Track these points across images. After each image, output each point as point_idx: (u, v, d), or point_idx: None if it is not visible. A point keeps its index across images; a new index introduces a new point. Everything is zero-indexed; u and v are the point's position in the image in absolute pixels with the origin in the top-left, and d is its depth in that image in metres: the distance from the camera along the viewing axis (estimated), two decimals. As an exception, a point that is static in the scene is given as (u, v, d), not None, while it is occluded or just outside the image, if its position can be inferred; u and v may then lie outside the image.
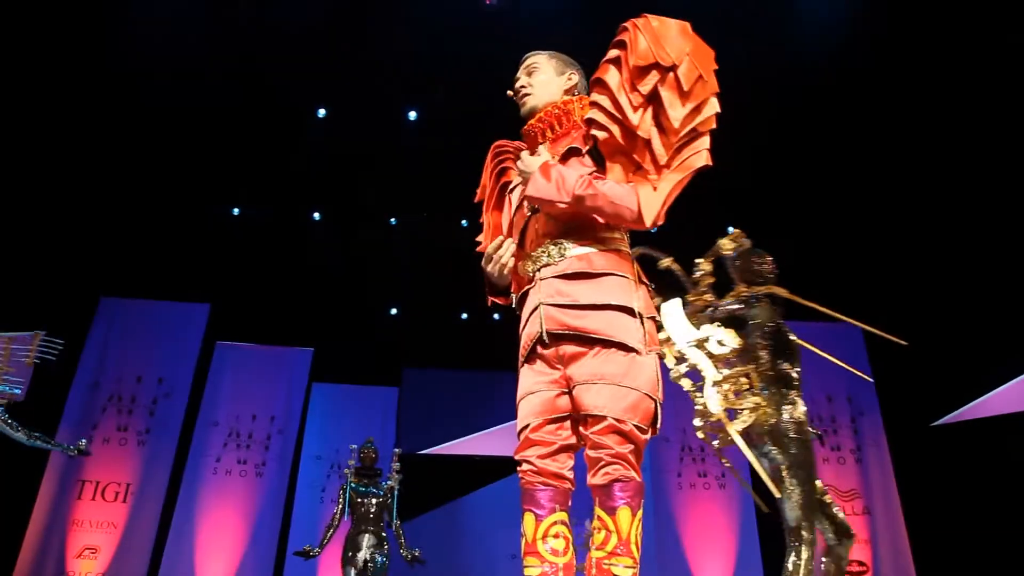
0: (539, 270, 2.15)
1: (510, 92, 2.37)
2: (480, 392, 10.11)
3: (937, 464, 8.77)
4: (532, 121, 2.31)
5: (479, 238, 2.53)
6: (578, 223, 2.14)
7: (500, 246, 2.18)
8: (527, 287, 2.20)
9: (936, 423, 9.26)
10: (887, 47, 7.72)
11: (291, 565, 9.14)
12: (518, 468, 2.13)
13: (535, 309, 2.13)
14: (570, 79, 2.36)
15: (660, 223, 2.10)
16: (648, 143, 2.07)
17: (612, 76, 2.09)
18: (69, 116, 8.06)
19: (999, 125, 7.74)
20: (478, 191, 2.52)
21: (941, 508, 8.49)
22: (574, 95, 2.35)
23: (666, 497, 9.23)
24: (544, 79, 2.33)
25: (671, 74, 2.03)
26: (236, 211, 9.53)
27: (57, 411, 8.92)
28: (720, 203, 7.48)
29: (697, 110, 2.05)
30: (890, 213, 8.77)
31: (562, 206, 2.08)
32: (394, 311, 10.59)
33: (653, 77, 2.04)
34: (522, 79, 2.35)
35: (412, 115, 8.58)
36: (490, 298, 2.39)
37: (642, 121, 2.06)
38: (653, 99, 2.05)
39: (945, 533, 8.27)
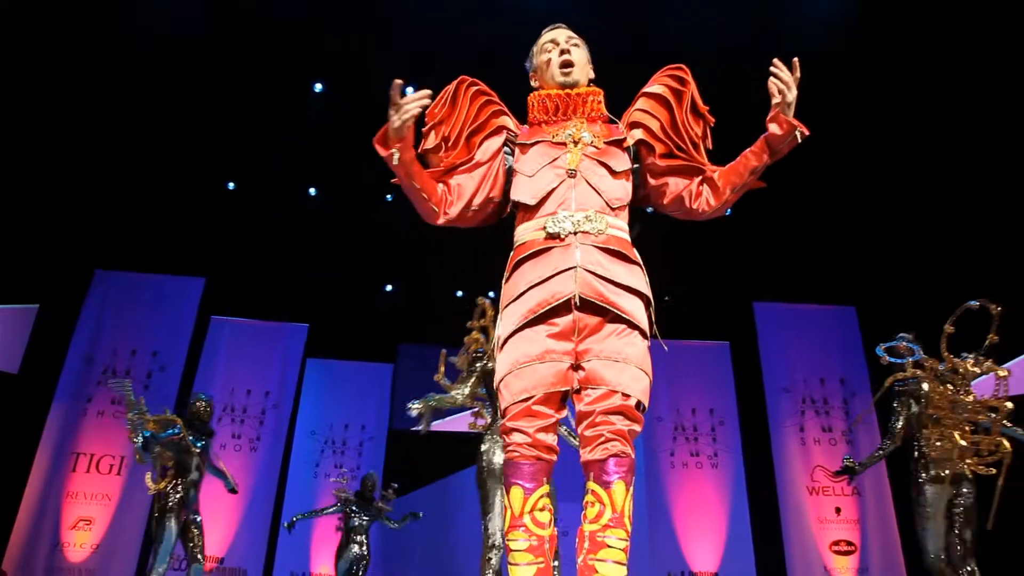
0: (575, 234, 2.16)
1: (549, 50, 2.42)
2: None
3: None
4: (572, 92, 2.37)
5: (432, 152, 2.39)
6: (617, 205, 2.24)
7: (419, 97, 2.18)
8: (550, 245, 2.17)
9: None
10: (878, 28, 7.67)
11: (284, 539, 9.21)
12: (507, 437, 2.09)
13: (567, 270, 2.12)
14: (592, 71, 2.49)
15: None
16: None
17: (674, 102, 2.30)
18: (63, 89, 7.98)
19: (996, 106, 7.70)
20: (440, 110, 2.36)
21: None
22: (590, 86, 2.45)
23: (659, 475, 9.31)
24: (582, 59, 2.44)
25: (707, 128, 2.34)
26: (231, 185, 9.48)
27: (51, 384, 8.93)
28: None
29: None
30: (885, 194, 8.76)
31: (763, 166, 2.25)
32: (389, 288, 10.58)
33: (701, 125, 2.33)
34: (571, 49, 2.41)
35: (409, 90, 8.53)
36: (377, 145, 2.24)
37: (691, 153, 2.30)
38: (695, 141, 2.31)
39: (1003, 496, 8.31)
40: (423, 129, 2.41)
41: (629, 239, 2.26)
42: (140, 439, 6.09)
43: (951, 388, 4.74)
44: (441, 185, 2.34)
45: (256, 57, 8.06)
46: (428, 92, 2.21)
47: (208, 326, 9.77)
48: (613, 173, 2.25)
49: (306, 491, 9.37)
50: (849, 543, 8.83)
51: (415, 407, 5.11)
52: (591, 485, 2.02)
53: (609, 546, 1.94)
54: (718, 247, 9.39)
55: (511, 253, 2.29)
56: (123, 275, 9.57)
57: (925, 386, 4.81)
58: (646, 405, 2.11)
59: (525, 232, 2.26)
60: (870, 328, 9.68)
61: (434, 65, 7.78)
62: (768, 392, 9.54)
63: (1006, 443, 4.44)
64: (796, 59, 2.19)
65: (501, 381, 2.14)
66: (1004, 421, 4.50)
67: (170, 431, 6.09)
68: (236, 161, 9.11)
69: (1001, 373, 4.50)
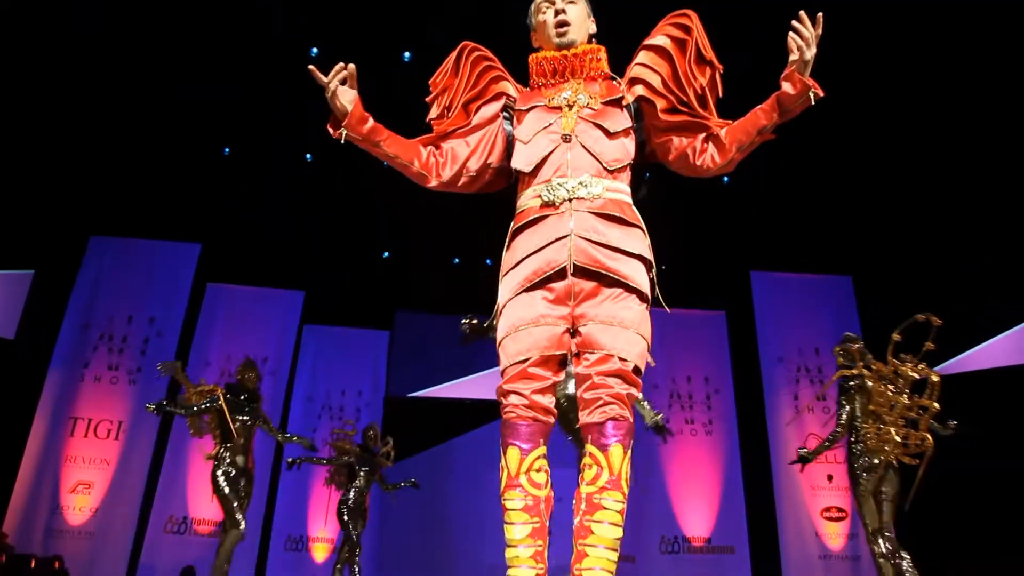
0: (570, 200, 2.14)
1: (544, 10, 2.35)
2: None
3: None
4: (568, 53, 2.31)
5: (436, 122, 2.41)
6: (616, 167, 2.20)
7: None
8: (546, 213, 2.16)
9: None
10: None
11: (281, 504, 9.31)
12: (504, 399, 2.11)
13: (562, 238, 2.11)
14: (593, 24, 2.41)
15: None
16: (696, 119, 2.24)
17: (676, 53, 2.21)
18: (55, 52, 7.88)
19: (995, 79, 7.66)
20: (442, 80, 2.38)
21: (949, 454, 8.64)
22: (592, 42, 2.38)
23: (652, 443, 9.36)
24: (580, 16, 2.35)
25: (716, 76, 2.24)
26: (227, 151, 9.41)
27: (48, 350, 8.95)
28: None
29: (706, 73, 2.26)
30: (884, 164, 8.74)
31: (775, 124, 2.18)
32: (386, 254, 10.57)
33: (707, 73, 2.23)
34: (567, 7, 2.33)
35: (407, 55, 8.45)
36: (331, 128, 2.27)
37: (695, 104, 2.21)
38: (701, 98, 2.23)
39: (924, 484, 8.43)
40: (426, 99, 2.40)
41: (630, 201, 2.22)
42: (184, 410, 6.29)
43: (891, 388, 5.25)
44: (428, 149, 2.32)
45: (253, 22, 7.95)
46: (345, 65, 2.19)
47: (204, 293, 9.77)
48: (610, 134, 2.21)
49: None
50: (840, 509, 8.94)
51: (467, 321, 4.88)
52: (589, 448, 2.03)
53: (605, 508, 1.96)
54: (716, 216, 9.38)
55: (511, 222, 2.28)
56: (118, 241, 9.54)
57: (869, 384, 5.32)
58: (643, 368, 2.10)
59: (523, 200, 2.25)
60: (865, 298, 9.72)
61: (434, 26, 7.69)
62: (763, 361, 9.59)
63: (930, 438, 5.07)
64: (821, 14, 2.10)
65: (499, 345, 2.16)
66: (931, 420, 5.15)
67: (207, 402, 6.24)
68: (232, 126, 9.03)
69: (934, 378, 5.07)
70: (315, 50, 8.44)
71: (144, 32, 7.88)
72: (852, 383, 5.41)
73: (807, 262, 9.72)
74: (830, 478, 9.05)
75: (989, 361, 9.01)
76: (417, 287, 10.25)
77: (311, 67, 2.17)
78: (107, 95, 8.35)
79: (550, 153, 2.21)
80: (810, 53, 2.08)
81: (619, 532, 1.97)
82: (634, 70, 2.28)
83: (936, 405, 5.08)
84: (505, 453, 2.07)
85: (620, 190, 2.20)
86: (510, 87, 2.38)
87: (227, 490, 6.11)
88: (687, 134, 2.24)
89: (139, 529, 8.66)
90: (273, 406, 9.51)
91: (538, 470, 2.06)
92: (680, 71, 2.20)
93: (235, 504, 6.11)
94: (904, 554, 5.23)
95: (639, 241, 2.18)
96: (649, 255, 2.20)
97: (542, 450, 2.08)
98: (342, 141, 2.21)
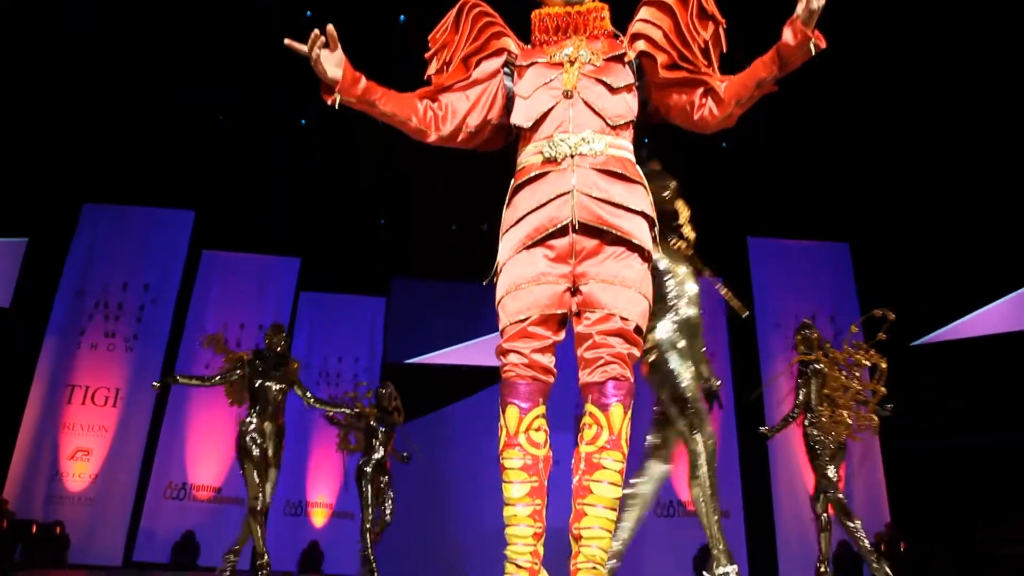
0: (572, 157, 2.11)
1: None
2: (468, 302, 10.16)
3: (913, 383, 8.96)
4: (572, 10, 2.26)
5: (435, 77, 2.35)
6: (618, 123, 2.16)
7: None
8: (547, 169, 2.13)
9: (916, 343, 9.41)
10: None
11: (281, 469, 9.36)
12: (503, 358, 2.09)
13: (563, 194, 2.08)
14: None
15: None
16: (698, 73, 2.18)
17: (678, 8, 2.16)
18: (49, 21, 7.77)
19: (995, 46, 7.59)
20: (441, 36, 2.33)
21: (914, 425, 8.72)
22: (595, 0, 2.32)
23: (648, 408, 9.41)
24: None
25: (719, 31, 2.18)
26: (220, 117, 9.32)
27: (43, 318, 8.94)
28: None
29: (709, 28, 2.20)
30: (884, 131, 8.68)
31: (775, 77, 2.10)
32: (383, 221, 10.52)
33: (710, 28, 2.17)
34: None
35: (402, 18, 8.34)
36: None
37: (698, 60, 2.16)
38: (705, 51, 2.18)
39: (916, 449, 8.53)
40: (425, 55, 2.36)
41: (632, 158, 2.19)
42: (202, 381, 6.38)
43: (844, 373, 5.68)
44: (425, 103, 2.27)
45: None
46: (320, 31, 2.08)
47: (199, 260, 9.74)
48: (612, 90, 2.17)
49: (301, 422, 9.46)
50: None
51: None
52: (589, 407, 2.02)
53: (605, 467, 1.96)
54: (712, 181, 9.33)
55: (511, 180, 2.24)
56: (112, 208, 9.49)
57: (825, 369, 5.71)
58: (644, 328, 2.09)
59: (524, 157, 2.21)
60: (862, 265, 9.72)
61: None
62: (759, 327, 9.61)
63: (876, 419, 5.59)
64: None
65: (499, 303, 2.13)
66: (876, 404, 5.61)
67: (228, 371, 6.15)
68: (226, 92, 8.93)
69: (883, 365, 5.49)
70: (309, 12, 8.32)
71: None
72: (809, 368, 5.78)
73: (804, 228, 9.70)
74: (852, 439, 9.11)
75: (984, 328, 9.04)
76: (413, 253, 10.23)
77: (288, 40, 2.10)
78: (97, 62, 8.24)
79: (551, 109, 2.17)
80: (818, 3, 1.99)
81: (618, 492, 1.96)
82: (636, 26, 2.23)
83: (883, 389, 5.53)
84: (504, 412, 2.06)
85: (623, 147, 2.17)
86: (511, 43, 2.33)
87: (244, 461, 5.95)
88: (687, 89, 2.20)
89: (138, 495, 8.73)
90: (271, 373, 9.53)
91: (537, 429, 2.05)
92: (682, 25, 2.15)
93: (254, 473, 5.92)
94: (855, 522, 5.60)
95: (642, 198, 2.15)
96: (652, 212, 2.17)
97: (541, 409, 2.07)
98: (336, 106, 2.16)
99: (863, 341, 5.75)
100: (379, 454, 7.00)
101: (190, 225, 9.62)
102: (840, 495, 5.67)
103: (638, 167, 2.19)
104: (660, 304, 3.60)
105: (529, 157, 2.18)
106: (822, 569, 5.79)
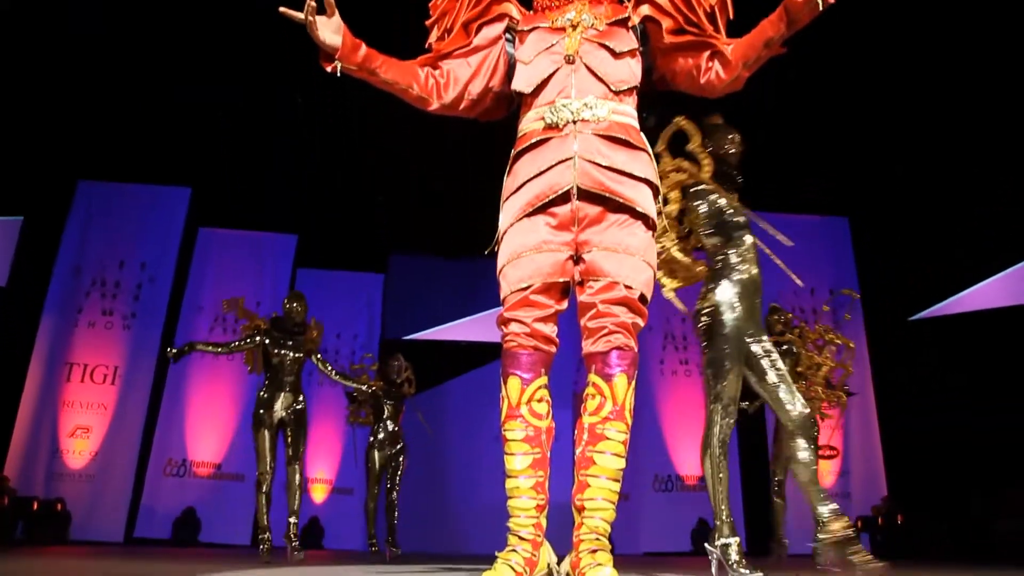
0: (574, 123, 2.07)
1: None
2: (466, 278, 10.15)
3: (911, 357, 8.99)
4: None
5: (436, 44, 2.33)
6: (622, 89, 2.13)
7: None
8: (549, 135, 2.09)
9: (914, 317, 9.43)
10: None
11: (280, 445, 9.38)
12: (504, 327, 2.05)
13: (565, 160, 2.04)
14: None
15: None
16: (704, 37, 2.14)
17: None
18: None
19: (997, 18, 7.51)
20: (442, 2, 2.31)
21: (912, 399, 8.76)
22: None
23: (648, 383, 9.44)
24: None
25: None
26: (216, 92, 9.22)
27: (40, 296, 8.91)
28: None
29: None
30: (879, 108, 8.62)
31: (783, 38, 2.04)
32: (381, 197, 10.47)
33: None
34: None
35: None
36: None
37: (704, 24, 2.12)
38: (711, 16, 2.14)
39: (914, 423, 8.57)
40: (426, 22, 2.33)
41: (636, 125, 2.15)
42: (218, 348, 5.94)
43: (816, 353, 5.90)
44: (426, 70, 2.24)
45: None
46: None
47: (196, 237, 9.70)
48: (615, 54, 2.13)
49: (300, 399, 9.50)
50: (832, 447, 9.02)
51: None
52: (592, 377, 2.00)
53: (608, 438, 1.94)
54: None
55: (512, 147, 2.21)
56: (107, 186, 9.43)
57: (797, 349, 5.91)
58: (649, 297, 2.06)
59: (525, 123, 2.18)
60: (861, 240, 9.71)
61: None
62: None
63: (844, 396, 5.99)
64: None
65: (500, 272, 2.10)
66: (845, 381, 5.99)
67: (246, 338, 5.84)
68: (220, 68, 8.83)
69: (850, 345, 5.80)
70: None
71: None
72: (784, 348, 5.88)
73: (803, 203, 9.66)
74: (822, 416, 9.14)
75: (982, 303, 9.05)
76: (412, 230, 10.18)
77: (282, 8, 2.06)
78: (92, 35, 8.14)
79: (553, 74, 2.14)
80: None
81: (622, 463, 1.95)
82: None
83: (851, 369, 5.95)
84: (505, 383, 2.03)
85: (626, 113, 2.13)
86: (512, 8, 2.29)
87: (256, 432, 5.75)
88: (692, 53, 2.15)
89: (139, 472, 8.77)
90: (269, 350, 9.53)
91: (539, 400, 2.02)
92: None
93: (265, 444, 5.73)
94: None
95: (646, 165, 2.11)
96: (656, 180, 2.14)
97: (543, 380, 2.04)
98: (338, 74, 2.12)
99: (831, 323, 6.12)
100: (388, 428, 6.94)
101: (186, 202, 9.58)
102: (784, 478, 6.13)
103: (642, 134, 2.16)
104: (723, 260, 3.51)
105: (530, 123, 2.15)
106: (781, 537, 6.10)
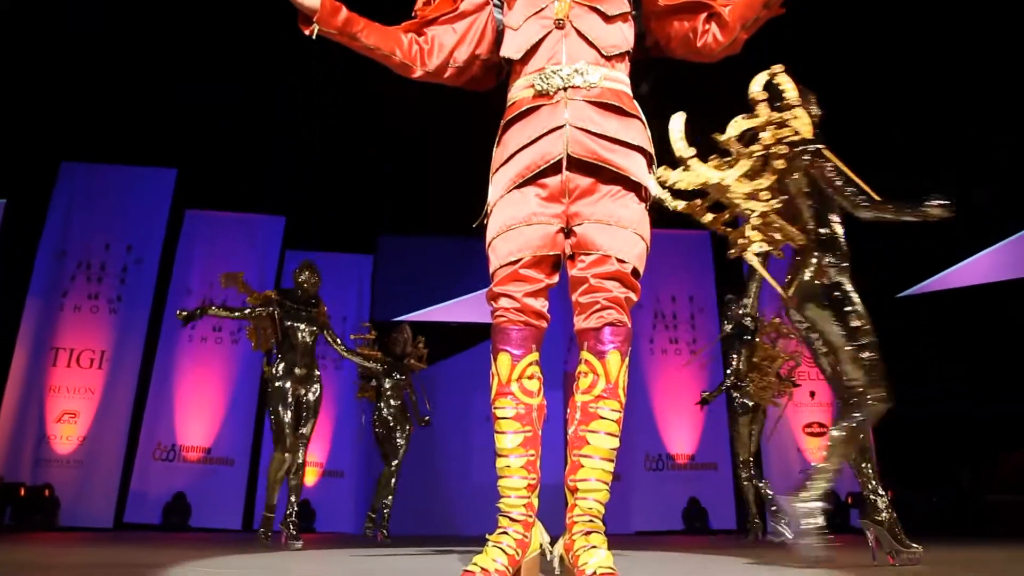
0: (565, 90, 2.00)
1: None
2: (456, 259, 10.09)
3: (900, 333, 9.01)
4: None
5: (421, 11, 2.25)
6: (614, 54, 2.06)
7: None
8: (539, 103, 2.02)
9: (902, 294, 9.45)
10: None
11: (269, 429, 9.34)
12: (494, 303, 2.00)
13: (555, 129, 1.98)
14: None
15: None
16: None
17: None
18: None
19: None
20: None
21: (901, 375, 8.77)
22: None
23: (638, 362, 9.45)
24: None
25: None
26: (205, 78, 9.09)
27: (25, 279, 8.80)
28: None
29: None
30: (862, 84, 8.58)
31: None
32: (369, 177, 10.39)
33: None
34: None
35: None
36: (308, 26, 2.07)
37: None
38: None
39: (903, 399, 8.59)
40: None
41: (629, 92, 2.08)
42: (226, 312, 5.66)
43: (769, 344, 6.16)
44: (410, 36, 2.17)
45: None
46: None
47: (183, 219, 9.60)
48: (607, 18, 2.06)
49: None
50: (822, 425, 9.11)
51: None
52: (585, 355, 1.95)
53: (602, 417, 1.90)
54: (696, 132, 9.21)
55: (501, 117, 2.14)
56: (91, 167, 9.30)
57: (757, 340, 6.20)
58: (641, 271, 2.00)
59: (514, 91, 2.11)
60: (848, 218, 9.68)
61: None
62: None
63: (792, 388, 6.30)
64: None
65: (489, 245, 2.04)
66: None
67: (258, 306, 5.57)
68: (206, 48, 8.70)
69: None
70: None
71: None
72: (745, 338, 6.32)
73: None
74: (812, 395, 9.19)
75: (970, 278, 9.07)
76: (400, 210, 10.10)
77: None
78: (75, 14, 8.00)
79: (542, 40, 2.06)
80: None
81: (615, 442, 1.91)
82: None
83: (801, 362, 6.07)
84: (495, 359, 1.98)
85: (618, 79, 2.06)
86: None
87: (269, 408, 5.52)
88: (688, 16, 2.10)
89: (128, 457, 8.71)
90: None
91: (530, 377, 1.97)
92: None
93: (283, 424, 5.48)
94: (764, 480, 6.44)
95: (639, 132, 2.05)
96: (650, 148, 2.07)
97: (534, 356, 1.99)
98: (313, 37, 2.05)
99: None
100: (391, 404, 6.76)
101: (172, 184, 9.45)
102: (749, 458, 6.41)
103: (635, 101, 2.09)
104: (830, 231, 3.36)
105: (520, 91, 2.08)
106: (755, 520, 6.36)
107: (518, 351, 1.96)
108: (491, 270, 2.03)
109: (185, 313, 5.61)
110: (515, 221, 1.99)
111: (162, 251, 9.35)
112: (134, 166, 9.38)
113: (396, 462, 6.79)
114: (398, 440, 6.80)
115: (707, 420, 9.39)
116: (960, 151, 8.52)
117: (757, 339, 6.15)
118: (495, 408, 1.97)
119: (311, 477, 9.40)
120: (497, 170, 2.08)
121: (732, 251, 2.79)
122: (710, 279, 9.97)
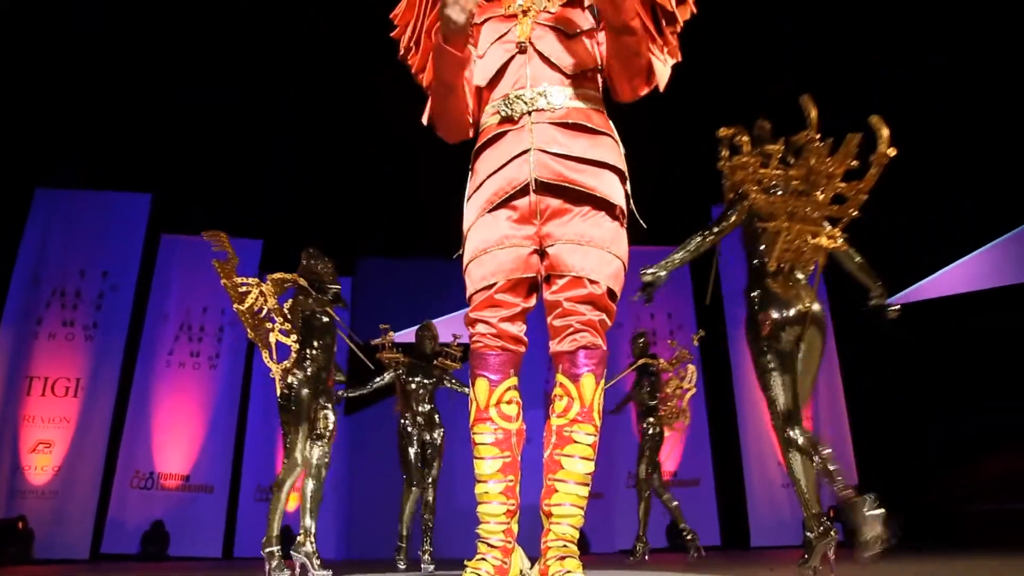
0: (529, 113, 2.01)
1: None
2: (436, 279, 10.07)
3: (878, 346, 9.09)
4: None
5: (404, 59, 2.28)
6: (578, 72, 2.05)
7: None
8: (505, 128, 2.03)
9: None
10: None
11: (249, 454, 9.27)
12: (471, 328, 2.01)
13: (521, 154, 1.98)
14: None
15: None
16: (660, 21, 2.05)
17: None
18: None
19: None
20: (404, 28, 2.24)
21: (880, 389, 8.86)
22: None
23: (619, 381, 9.44)
24: None
25: None
26: (184, 94, 9.06)
27: (-1, 307, 8.70)
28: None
29: (684, 13, 2.08)
30: (837, 95, 8.69)
31: (616, 20, 1.93)
32: (347, 200, 10.38)
33: None
34: None
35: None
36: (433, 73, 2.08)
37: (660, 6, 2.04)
38: None
39: (883, 412, 8.67)
40: (392, 34, 2.26)
41: (600, 108, 2.08)
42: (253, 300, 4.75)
43: (675, 377, 6.76)
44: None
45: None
46: None
47: (158, 244, 9.52)
48: (568, 36, 2.06)
49: (270, 405, 9.35)
50: (803, 439, 9.14)
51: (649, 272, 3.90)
52: (559, 378, 1.96)
53: (576, 441, 1.90)
54: (675, 148, 9.30)
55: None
56: (65, 193, 9.21)
57: (655, 368, 6.95)
58: (618, 292, 2.00)
59: (484, 118, 2.12)
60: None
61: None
62: (725, 297, 9.65)
63: (688, 412, 6.82)
64: None
65: (464, 270, 2.05)
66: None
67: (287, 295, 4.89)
68: (182, 70, 8.68)
69: (690, 366, 6.77)
70: None
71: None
72: (651, 370, 6.92)
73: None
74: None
75: (947, 289, 9.18)
76: (379, 232, 10.10)
77: None
78: (49, 38, 7.97)
79: (506, 64, 2.07)
80: None
81: (590, 467, 1.91)
82: None
83: (694, 388, 6.73)
84: (474, 385, 1.98)
85: (587, 97, 2.06)
86: None
87: (284, 410, 4.70)
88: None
89: (104, 486, 8.58)
90: (235, 356, 9.40)
91: (508, 402, 1.97)
92: None
93: (298, 427, 4.68)
94: (668, 494, 7.00)
95: (609, 149, 2.04)
96: (622, 165, 2.06)
97: (512, 381, 1.99)
98: (440, 49, 2.00)
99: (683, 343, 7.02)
100: (418, 411, 6.19)
101: (147, 209, 9.38)
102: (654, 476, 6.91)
103: (606, 117, 2.09)
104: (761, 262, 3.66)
105: (488, 118, 2.09)
106: (641, 535, 6.81)
107: (495, 376, 1.97)
108: (467, 295, 2.03)
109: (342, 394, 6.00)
110: (488, 244, 1.99)
111: (138, 277, 9.27)
112: (109, 191, 9.31)
113: (434, 474, 6.22)
114: (428, 452, 6.19)
115: (689, 437, 9.41)
116: (935, 163, 8.64)
117: (658, 368, 6.84)
118: (474, 434, 1.98)
119: (293, 502, 9.27)
120: (470, 197, 2.09)
121: None
122: (688, 296, 10.02)
